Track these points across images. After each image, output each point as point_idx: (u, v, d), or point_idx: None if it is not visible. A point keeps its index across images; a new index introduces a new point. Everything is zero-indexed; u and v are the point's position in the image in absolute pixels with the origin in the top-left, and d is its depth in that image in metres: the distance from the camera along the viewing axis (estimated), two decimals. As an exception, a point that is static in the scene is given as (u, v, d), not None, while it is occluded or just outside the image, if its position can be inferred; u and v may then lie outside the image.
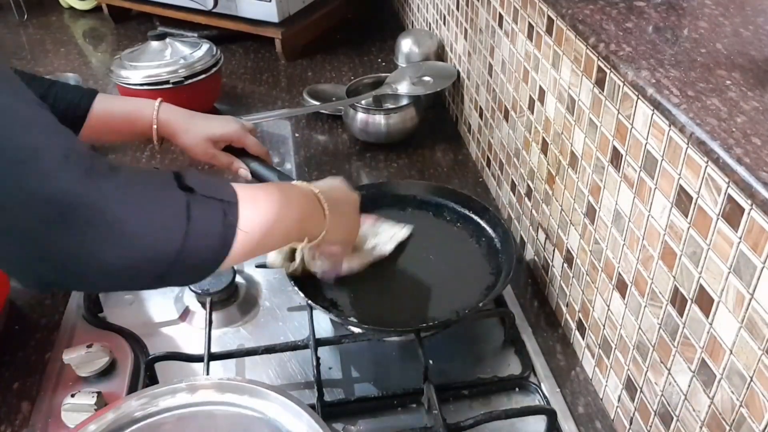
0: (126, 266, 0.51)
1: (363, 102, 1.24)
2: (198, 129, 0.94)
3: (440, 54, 1.35)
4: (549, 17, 0.80)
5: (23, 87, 0.50)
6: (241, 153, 0.97)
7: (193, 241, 0.54)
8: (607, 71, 0.67)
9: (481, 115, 1.15)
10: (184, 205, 0.54)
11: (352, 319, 0.80)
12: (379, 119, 1.22)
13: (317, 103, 1.33)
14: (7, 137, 0.46)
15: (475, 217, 0.94)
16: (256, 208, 0.60)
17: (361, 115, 1.22)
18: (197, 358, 0.81)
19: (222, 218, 0.56)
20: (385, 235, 0.89)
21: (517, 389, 0.80)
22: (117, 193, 0.50)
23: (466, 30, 1.18)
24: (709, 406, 0.57)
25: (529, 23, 0.87)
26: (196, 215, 0.54)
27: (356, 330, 0.86)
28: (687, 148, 0.56)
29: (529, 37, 0.88)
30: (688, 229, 0.57)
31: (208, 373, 0.78)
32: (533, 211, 0.94)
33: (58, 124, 0.50)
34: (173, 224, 0.53)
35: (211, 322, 0.85)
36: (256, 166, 0.96)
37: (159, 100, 0.93)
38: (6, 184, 0.46)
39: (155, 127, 0.92)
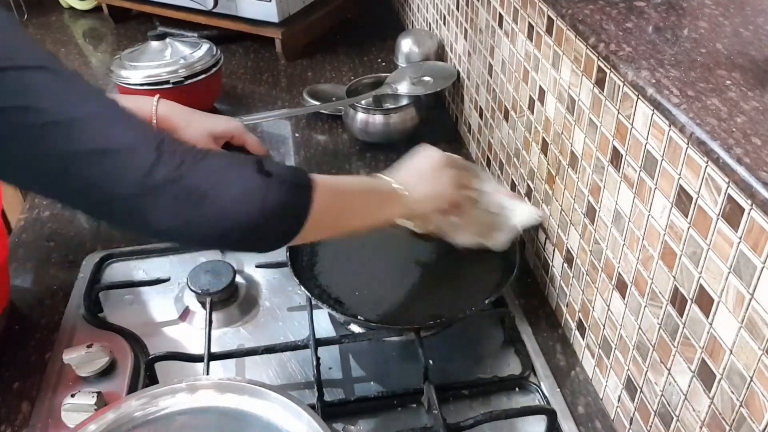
0: (215, 235, 0.58)
1: (363, 102, 1.24)
2: (200, 124, 0.94)
3: (440, 54, 1.35)
4: (549, 17, 0.80)
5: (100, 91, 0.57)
6: (239, 151, 0.97)
7: (270, 214, 0.59)
8: (607, 71, 0.67)
9: (481, 115, 1.15)
10: (262, 184, 0.59)
11: (360, 317, 0.80)
12: (379, 119, 1.22)
13: (317, 103, 1.33)
14: (104, 139, 0.53)
15: None
16: (330, 194, 0.66)
17: (361, 115, 1.22)
18: (197, 358, 0.81)
19: (294, 200, 0.61)
20: (522, 213, 0.90)
21: (517, 389, 0.80)
22: (203, 168, 0.56)
23: (466, 30, 1.18)
24: (709, 406, 0.57)
25: (529, 23, 0.87)
26: (272, 194, 0.59)
27: (356, 330, 0.86)
28: (687, 148, 0.56)
29: (529, 37, 0.88)
30: (688, 229, 0.57)
31: (208, 373, 0.78)
32: (533, 211, 0.94)
33: (140, 119, 0.57)
34: (253, 197, 0.58)
35: (211, 322, 0.85)
36: None
37: (157, 96, 0.93)
38: (111, 181, 0.53)
39: (155, 121, 0.92)
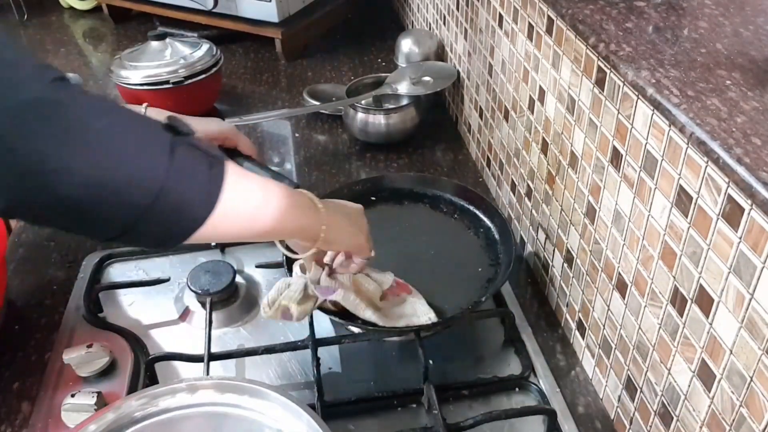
0: (94, 183, 0.48)
1: (363, 102, 1.24)
2: (193, 127, 0.94)
3: (440, 54, 1.35)
4: (549, 17, 0.80)
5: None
6: (231, 154, 0.96)
7: (176, 184, 0.51)
8: (607, 71, 0.67)
9: (481, 115, 1.15)
10: (168, 143, 0.52)
11: (357, 322, 0.80)
12: (380, 119, 1.22)
13: (317, 103, 1.33)
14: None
15: (472, 208, 0.95)
16: (245, 181, 0.59)
17: (361, 115, 1.22)
18: (197, 358, 0.81)
19: (208, 168, 0.54)
20: (418, 310, 0.82)
21: (517, 389, 0.80)
22: (91, 107, 0.50)
23: (466, 30, 1.18)
24: (709, 406, 0.57)
25: (529, 23, 0.87)
26: (181, 156, 0.52)
27: (356, 330, 0.86)
28: (687, 148, 0.56)
29: (529, 37, 0.88)
30: (688, 229, 0.57)
31: (208, 373, 0.78)
32: (533, 211, 0.94)
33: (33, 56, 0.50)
34: (154, 156, 0.50)
35: (211, 322, 0.85)
36: (250, 165, 0.96)
37: (145, 105, 0.93)
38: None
39: None
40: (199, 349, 0.81)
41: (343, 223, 0.74)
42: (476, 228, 0.92)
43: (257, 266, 0.95)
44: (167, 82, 1.26)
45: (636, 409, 0.70)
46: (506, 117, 1.02)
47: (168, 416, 0.66)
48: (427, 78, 1.26)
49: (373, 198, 0.99)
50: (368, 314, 0.77)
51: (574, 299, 0.83)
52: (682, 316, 0.60)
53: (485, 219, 0.93)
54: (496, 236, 0.90)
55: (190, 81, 1.27)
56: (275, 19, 1.52)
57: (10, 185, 0.48)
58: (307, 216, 0.69)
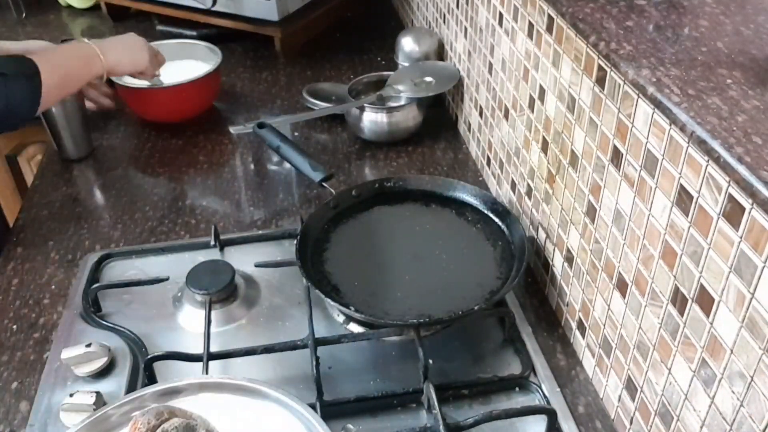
0: None
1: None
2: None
3: (440, 53, 1.35)
4: (549, 16, 0.80)
5: None
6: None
7: (9, 101, 0.93)
8: (608, 70, 0.67)
9: (481, 114, 1.15)
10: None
11: (351, 308, 0.80)
12: (382, 118, 1.22)
13: (317, 102, 1.33)
14: None
15: (497, 220, 0.94)
16: (51, 71, 0.97)
17: (364, 114, 1.22)
18: (196, 358, 0.80)
19: (29, 86, 0.95)
20: None
21: (517, 389, 0.80)
22: None
23: (466, 29, 1.18)
24: (710, 406, 0.57)
25: (530, 22, 0.87)
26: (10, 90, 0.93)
27: (356, 330, 0.86)
28: (688, 147, 0.55)
29: (530, 35, 0.88)
30: (689, 228, 0.57)
31: (207, 373, 0.78)
32: (533, 210, 0.94)
33: None
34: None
35: (210, 321, 0.84)
36: (287, 148, 1.09)
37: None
38: None
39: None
40: (198, 349, 0.81)
41: (119, 48, 1.11)
42: (495, 240, 0.92)
43: (256, 265, 0.95)
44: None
45: (636, 408, 0.70)
46: (506, 116, 1.02)
47: (167, 416, 0.66)
48: (429, 78, 1.26)
49: (402, 198, 1.01)
50: None
51: (575, 299, 0.83)
52: (682, 316, 0.59)
53: (507, 233, 0.92)
54: (513, 251, 0.89)
55: (188, 80, 1.27)
56: (275, 17, 1.52)
57: None
58: (87, 56, 1.05)
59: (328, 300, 0.82)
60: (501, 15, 0.98)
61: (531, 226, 0.96)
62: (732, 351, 0.53)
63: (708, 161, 0.53)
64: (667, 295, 0.62)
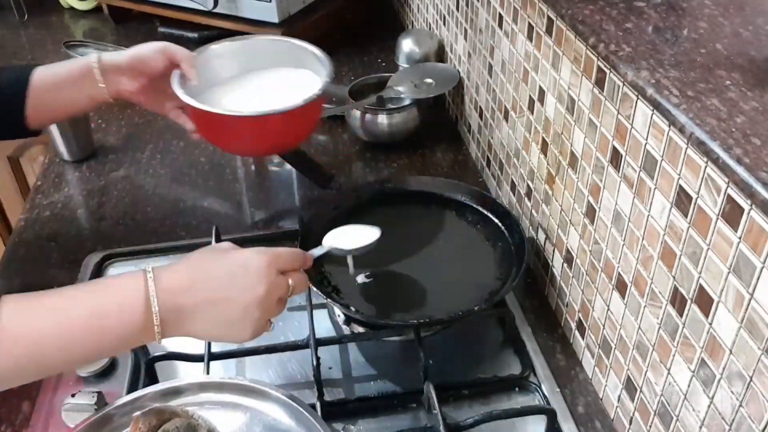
0: None
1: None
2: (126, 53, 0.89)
3: (440, 54, 1.35)
4: (549, 17, 0.80)
5: None
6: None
7: None
8: (607, 71, 0.67)
9: (480, 116, 1.15)
10: None
11: (351, 308, 0.80)
12: (382, 119, 1.22)
13: (326, 105, 1.33)
14: None
15: (497, 221, 0.94)
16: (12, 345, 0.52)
17: (364, 115, 1.22)
18: (197, 358, 0.81)
19: None
20: None
21: (517, 389, 0.80)
22: None
23: (466, 30, 1.18)
24: (709, 406, 0.57)
25: (529, 23, 0.87)
26: None
27: (356, 330, 0.86)
28: (687, 148, 0.56)
29: (529, 37, 0.88)
30: (688, 229, 0.57)
31: (208, 373, 0.78)
32: (533, 211, 0.94)
33: None
34: None
35: (211, 322, 0.85)
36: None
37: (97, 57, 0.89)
38: None
39: (96, 66, 0.87)
40: (199, 349, 0.81)
41: (202, 321, 0.57)
42: (494, 241, 0.92)
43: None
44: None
45: (636, 409, 0.70)
46: (506, 117, 1.02)
47: (168, 416, 0.67)
48: (429, 80, 1.26)
49: (401, 198, 1.01)
50: None
51: (574, 299, 0.83)
52: (681, 316, 0.60)
53: (506, 233, 0.92)
54: (513, 252, 0.89)
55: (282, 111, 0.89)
56: (275, 19, 1.52)
57: None
58: (133, 343, 0.56)
59: (329, 300, 0.82)
60: (501, 17, 0.98)
61: (531, 227, 0.96)
62: (731, 351, 0.53)
63: (707, 162, 0.53)
64: (667, 296, 0.62)
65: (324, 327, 0.87)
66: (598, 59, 0.69)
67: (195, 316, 0.57)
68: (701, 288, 0.56)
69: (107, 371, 0.80)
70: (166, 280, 0.57)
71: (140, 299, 0.55)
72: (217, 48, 1.00)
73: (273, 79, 1.00)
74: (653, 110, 0.60)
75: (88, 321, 0.54)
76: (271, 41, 1.06)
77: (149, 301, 0.55)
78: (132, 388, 0.79)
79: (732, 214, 0.51)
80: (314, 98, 0.91)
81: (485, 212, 0.96)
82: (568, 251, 0.83)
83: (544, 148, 0.87)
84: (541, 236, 0.92)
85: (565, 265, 0.85)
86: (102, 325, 0.55)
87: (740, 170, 0.47)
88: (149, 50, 0.91)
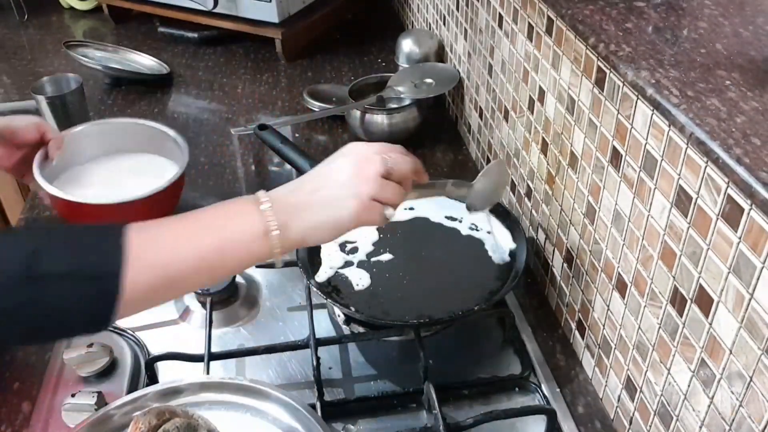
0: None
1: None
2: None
3: (440, 54, 1.35)
4: (549, 17, 0.80)
5: None
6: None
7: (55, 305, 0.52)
8: (607, 71, 0.67)
9: (480, 116, 1.15)
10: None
11: (351, 308, 0.80)
12: (382, 119, 1.22)
13: (316, 103, 1.33)
14: None
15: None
16: (149, 266, 0.54)
17: (365, 115, 1.22)
18: (197, 358, 0.81)
19: (94, 292, 0.53)
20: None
21: (517, 389, 0.80)
22: None
23: (466, 30, 1.18)
24: (709, 406, 0.57)
25: (529, 23, 0.87)
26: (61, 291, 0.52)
27: (356, 330, 0.86)
28: (687, 148, 0.56)
29: (529, 37, 0.88)
30: (688, 229, 0.57)
31: (208, 373, 0.78)
32: (533, 211, 0.94)
33: None
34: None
35: (211, 321, 0.85)
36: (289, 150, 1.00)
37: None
38: None
39: None
40: (200, 349, 0.81)
41: (311, 211, 0.60)
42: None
43: (257, 266, 0.95)
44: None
45: (636, 409, 0.70)
46: (506, 117, 1.02)
47: (168, 416, 0.67)
48: (429, 80, 1.26)
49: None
50: None
51: (574, 299, 0.83)
52: (681, 316, 0.60)
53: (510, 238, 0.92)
54: (513, 253, 0.89)
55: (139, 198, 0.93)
56: (275, 19, 1.52)
57: None
58: (242, 235, 0.58)
59: (329, 300, 0.82)
60: (501, 17, 0.98)
61: (531, 227, 0.96)
62: (731, 351, 0.53)
63: (707, 162, 0.53)
64: (667, 296, 0.62)
65: (324, 327, 0.87)
66: (598, 59, 0.69)
67: (305, 211, 0.60)
68: (701, 288, 0.56)
69: (107, 371, 0.80)
70: (275, 192, 0.62)
71: (256, 210, 0.59)
72: (84, 129, 1.08)
73: (130, 164, 1.07)
74: (653, 110, 0.60)
75: (215, 242, 0.57)
76: (135, 125, 1.12)
77: (263, 212, 0.59)
78: (132, 388, 0.79)
79: (732, 214, 0.51)
80: (153, 193, 0.94)
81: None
82: (568, 251, 0.83)
83: (544, 148, 0.87)
84: (541, 236, 0.92)
85: (565, 265, 0.85)
86: (225, 239, 0.58)
87: (740, 170, 0.47)
88: (23, 122, 0.96)
